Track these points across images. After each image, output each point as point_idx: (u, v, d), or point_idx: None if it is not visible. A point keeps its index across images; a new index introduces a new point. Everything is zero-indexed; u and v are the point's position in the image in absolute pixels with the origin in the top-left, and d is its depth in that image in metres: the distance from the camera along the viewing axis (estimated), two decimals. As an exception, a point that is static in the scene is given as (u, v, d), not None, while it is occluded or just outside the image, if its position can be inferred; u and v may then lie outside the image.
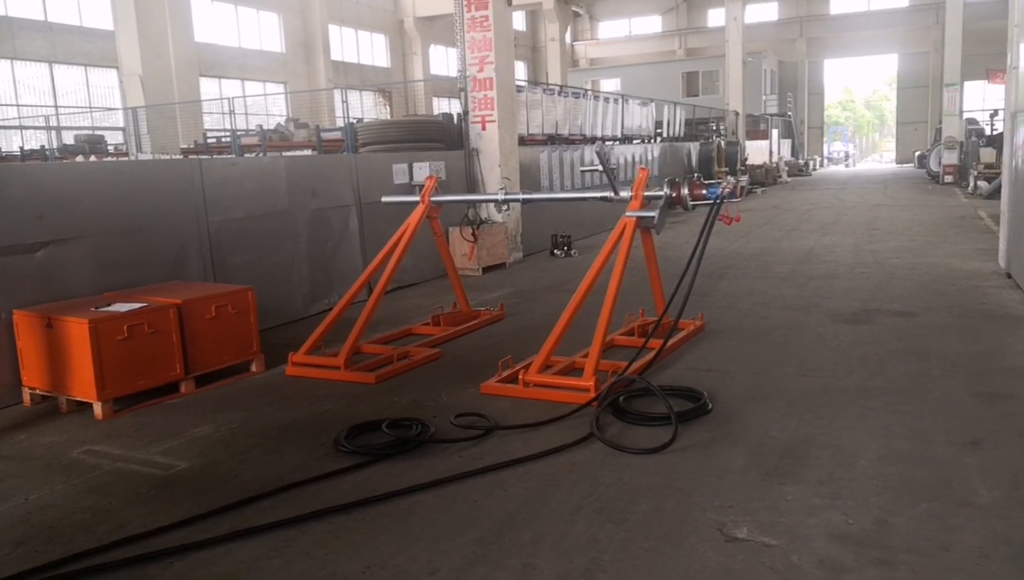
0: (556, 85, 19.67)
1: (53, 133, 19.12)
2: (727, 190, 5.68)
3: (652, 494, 3.72)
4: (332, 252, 8.75)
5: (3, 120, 20.69)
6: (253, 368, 6.15)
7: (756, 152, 30.44)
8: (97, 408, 5.18)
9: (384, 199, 7.83)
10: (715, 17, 42.29)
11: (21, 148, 16.25)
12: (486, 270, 10.75)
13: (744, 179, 23.05)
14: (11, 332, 5.54)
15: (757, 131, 31.75)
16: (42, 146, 16.52)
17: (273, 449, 4.52)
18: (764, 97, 35.77)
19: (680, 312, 5.62)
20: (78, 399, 5.29)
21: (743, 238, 12.83)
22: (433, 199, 7.09)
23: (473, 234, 9.65)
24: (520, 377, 5.35)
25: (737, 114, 28.73)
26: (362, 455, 4.29)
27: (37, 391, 5.50)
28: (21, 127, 20.29)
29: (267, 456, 4.41)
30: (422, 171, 9.90)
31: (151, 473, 4.24)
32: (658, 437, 4.32)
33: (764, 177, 27.15)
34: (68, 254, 6.00)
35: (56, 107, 22.29)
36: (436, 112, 24.20)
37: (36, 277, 5.77)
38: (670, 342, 5.94)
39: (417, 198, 7.18)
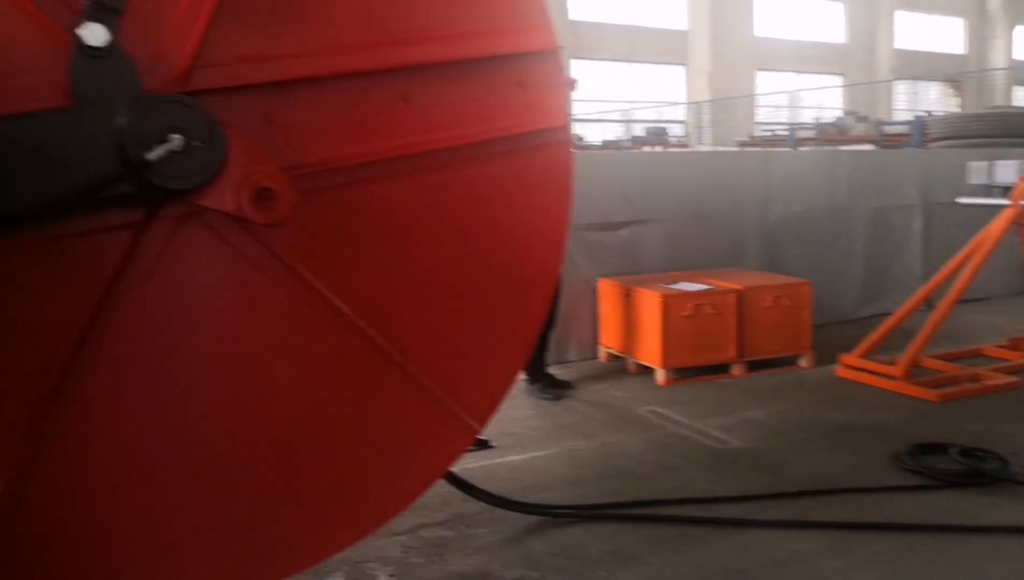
0: None
1: (626, 125, 21.56)
2: None
3: None
4: (890, 254, 8.19)
5: (585, 114, 23.90)
6: (802, 363, 6.12)
7: None
8: (659, 374, 5.73)
9: (960, 200, 7.03)
10: None
11: (602, 139, 18.67)
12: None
13: None
14: (595, 297, 6.43)
15: None
16: (617, 137, 18.72)
17: (825, 447, 4.44)
18: None
19: None
20: (643, 363, 5.91)
21: None
22: (1025, 203, 6.11)
23: (1068, 248, 8.09)
24: None
25: None
26: (926, 477, 3.96)
27: (611, 350, 6.31)
28: (601, 120, 23.26)
29: (819, 454, 4.36)
30: (1007, 170, 8.66)
31: (707, 444, 4.53)
32: None
33: None
34: (644, 234, 6.70)
35: (630, 102, 25.00)
36: (1016, 104, 20.89)
37: (618, 252, 6.57)
38: None
39: (1005, 201, 6.27)
